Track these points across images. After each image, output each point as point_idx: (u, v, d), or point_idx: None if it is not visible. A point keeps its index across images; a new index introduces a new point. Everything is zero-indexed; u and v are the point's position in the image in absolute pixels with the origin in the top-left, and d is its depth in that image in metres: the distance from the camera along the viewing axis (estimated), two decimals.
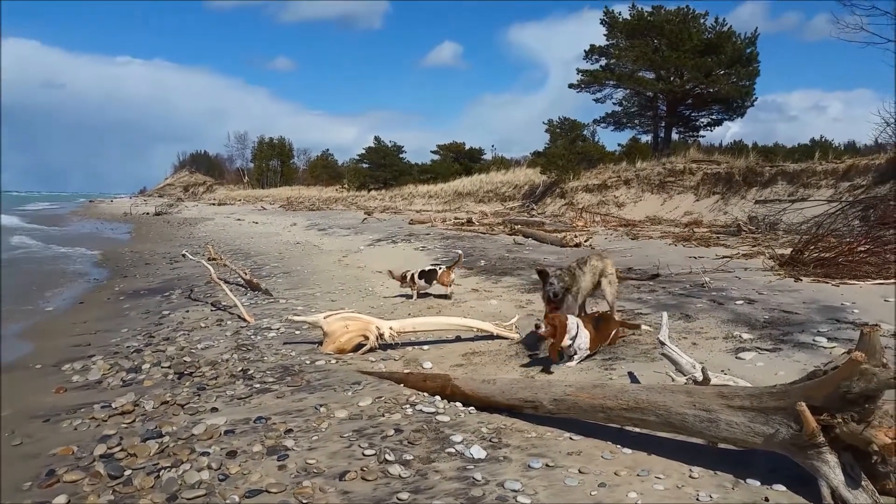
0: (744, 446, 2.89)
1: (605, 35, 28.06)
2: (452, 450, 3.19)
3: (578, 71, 28.54)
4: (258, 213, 31.92)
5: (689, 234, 13.41)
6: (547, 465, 2.99)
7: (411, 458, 3.11)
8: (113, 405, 4.02)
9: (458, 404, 3.85)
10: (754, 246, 10.51)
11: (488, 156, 47.93)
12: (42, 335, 6.55)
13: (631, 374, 4.32)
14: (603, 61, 28.46)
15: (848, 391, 2.49)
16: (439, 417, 3.64)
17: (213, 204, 45.72)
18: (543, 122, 33.85)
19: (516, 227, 15.58)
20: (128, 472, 3.03)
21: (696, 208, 19.10)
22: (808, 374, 2.76)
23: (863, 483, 2.49)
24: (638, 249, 10.84)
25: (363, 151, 48.94)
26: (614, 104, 29.97)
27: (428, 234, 14.77)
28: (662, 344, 4.17)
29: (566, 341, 4.48)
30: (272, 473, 2.99)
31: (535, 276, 7.87)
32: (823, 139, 32.97)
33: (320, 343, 5.33)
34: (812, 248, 7.96)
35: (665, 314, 4.54)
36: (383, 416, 3.70)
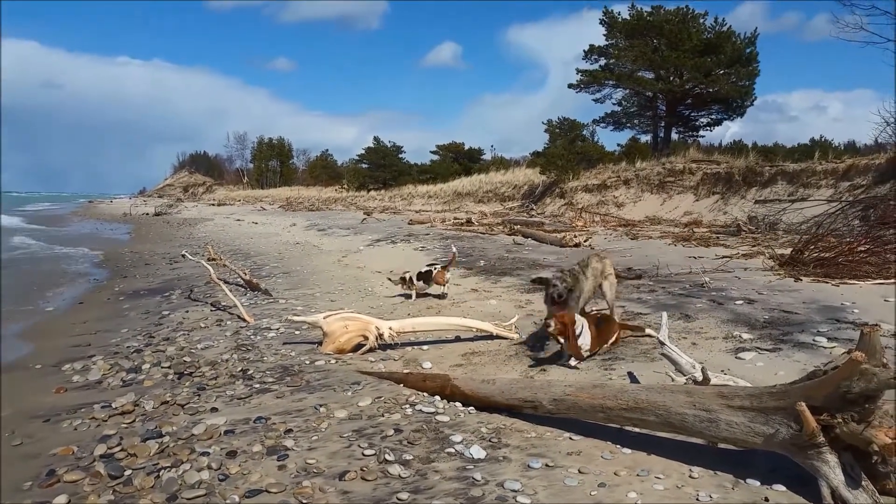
0: (744, 446, 2.89)
1: (604, 35, 28.06)
2: (452, 450, 3.19)
3: (578, 71, 28.56)
4: (258, 213, 31.91)
5: (688, 234, 13.40)
6: (546, 465, 2.99)
7: (411, 458, 3.11)
8: (113, 405, 4.02)
9: (458, 404, 3.85)
10: (754, 246, 10.50)
11: (488, 156, 48.04)
12: (42, 335, 6.55)
13: (630, 375, 4.32)
14: (602, 61, 28.45)
15: (848, 391, 2.49)
16: (439, 417, 3.64)
17: (213, 204, 45.69)
18: (543, 123, 33.95)
19: (516, 227, 15.57)
20: (128, 472, 3.03)
21: (696, 208, 19.09)
22: (808, 374, 2.76)
23: (863, 483, 2.49)
24: (637, 249, 10.84)
25: (362, 152, 49.05)
26: (614, 104, 29.99)
27: (427, 235, 14.76)
28: (662, 344, 4.17)
29: (560, 339, 4.49)
30: (272, 473, 2.99)
31: (536, 277, 7.87)
32: (823, 139, 33.05)
33: (320, 343, 5.34)
34: (812, 247, 7.95)
35: (665, 314, 4.54)
36: (383, 416, 3.70)
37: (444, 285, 7.38)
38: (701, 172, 20.49)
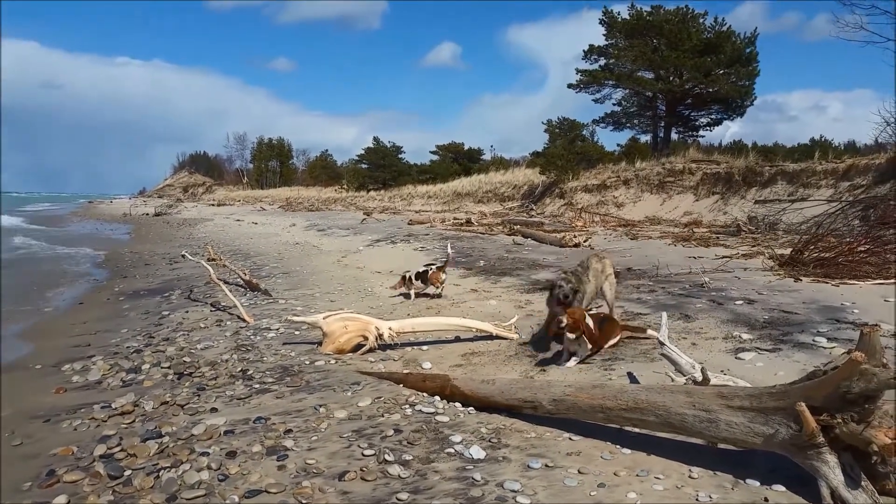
0: (743, 446, 2.89)
1: (604, 35, 28.05)
2: (452, 450, 3.19)
3: (577, 71, 28.54)
4: (257, 213, 31.90)
5: (688, 234, 13.40)
6: (546, 466, 2.99)
7: (411, 458, 3.11)
8: (113, 405, 4.02)
9: (458, 404, 3.85)
10: (754, 246, 10.51)
11: (487, 156, 48.01)
12: (42, 335, 6.55)
13: (630, 375, 4.32)
14: (602, 61, 28.44)
15: (848, 391, 2.49)
16: (439, 418, 3.64)
17: (213, 205, 45.69)
18: (542, 123, 33.87)
19: (515, 227, 15.57)
20: (128, 473, 3.03)
21: (696, 208, 19.09)
22: (807, 374, 2.76)
23: (862, 483, 2.49)
24: (637, 249, 10.84)
25: (362, 152, 49.04)
26: (613, 104, 29.98)
27: (427, 235, 14.76)
28: (662, 344, 4.16)
29: (570, 335, 4.48)
30: (272, 474, 2.99)
31: (535, 277, 7.87)
32: (823, 139, 33.04)
33: (319, 343, 5.33)
34: (812, 247, 7.95)
35: (664, 314, 4.54)
36: (383, 416, 3.70)
37: (438, 286, 7.40)
38: (701, 172, 20.49)
